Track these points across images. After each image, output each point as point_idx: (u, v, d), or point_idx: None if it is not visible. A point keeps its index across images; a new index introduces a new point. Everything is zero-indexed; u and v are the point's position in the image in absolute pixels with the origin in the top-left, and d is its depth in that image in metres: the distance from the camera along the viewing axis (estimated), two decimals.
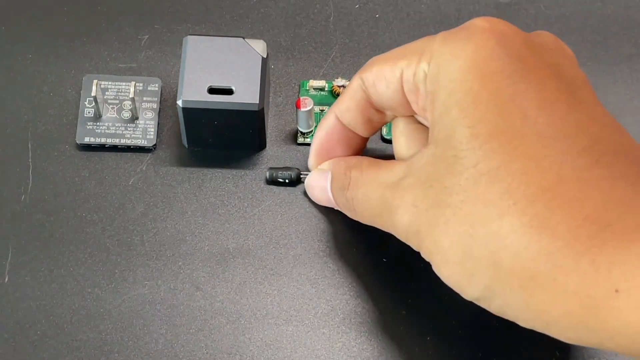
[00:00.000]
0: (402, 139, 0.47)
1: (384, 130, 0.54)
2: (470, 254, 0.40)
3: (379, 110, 0.48)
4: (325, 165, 0.50)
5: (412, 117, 0.47)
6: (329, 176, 0.49)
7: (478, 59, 0.42)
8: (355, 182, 0.47)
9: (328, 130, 0.49)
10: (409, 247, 0.51)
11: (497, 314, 0.42)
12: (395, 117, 0.48)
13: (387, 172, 0.45)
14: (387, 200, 0.45)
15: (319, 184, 0.50)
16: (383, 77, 0.45)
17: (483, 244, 0.40)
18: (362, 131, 0.49)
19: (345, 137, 0.49)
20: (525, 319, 0.41)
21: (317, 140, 0.50)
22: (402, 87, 0.45)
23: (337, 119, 0.49)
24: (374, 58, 0.47)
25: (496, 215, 0.39)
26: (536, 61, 0.43)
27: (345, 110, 0.48)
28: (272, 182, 0.53)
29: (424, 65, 0.43)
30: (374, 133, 0.49)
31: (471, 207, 0.40)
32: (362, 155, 0.50)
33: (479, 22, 0.43)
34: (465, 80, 0.41)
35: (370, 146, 0.54)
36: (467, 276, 0.41)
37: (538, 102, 0.41)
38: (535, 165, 0.40)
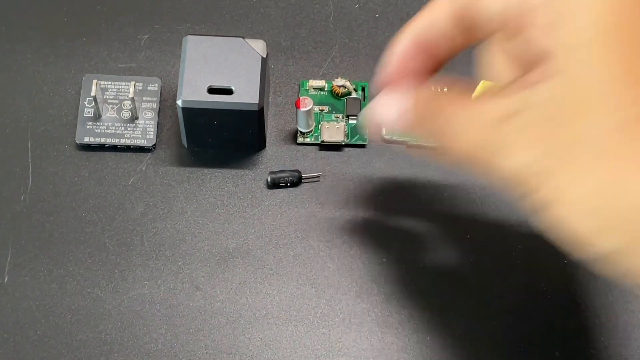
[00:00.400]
0: (500, 60, 0.42)
1: (384, 130, 0.54)
2: (611, 206, 0.36)
3: (470, 28, 0.41)
4: (404, 84, 0.43)
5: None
6: (409, 101, 0.42)
7: None
8: (450, 112, 0.40)
9: (405, 46, 0.43)
10: (408, 247, 0.51)
11: (621, 276, 0.37)
12: (488, 35, 0.42)
13: (494, 103, 0.39)
14: (494, 136, 0.38)
15: (390, 108, 0.43)
16: None
17: (628, 199, 0.36)
18: (448, 43, 0.42)
19: (427, 50, 0.43)
20: None
21: (394, 59, 0.44)
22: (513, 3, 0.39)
23: (421, 32, 0.42)
24: None
25: None
26: None
27: (429, 25, 0.42)
28: (273, 186, 0.53)
29: None
30: (463, 49, 0.43)
31: (613, 157, 0.36)
32: None
33: None
34: (600, 14, 0.36)
35: (370, 146, 0.54)
36: (602, 229, 0.37)
37: None
38: None
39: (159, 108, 0.54)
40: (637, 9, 0.37)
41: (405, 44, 0.43)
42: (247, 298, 0.50)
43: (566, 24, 0.37)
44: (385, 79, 0.44)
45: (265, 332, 0.50)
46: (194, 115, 0.51)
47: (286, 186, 0.53)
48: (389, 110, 0.43)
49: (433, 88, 0.42)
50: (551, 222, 0.38)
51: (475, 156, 0.39)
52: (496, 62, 0.42)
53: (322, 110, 0.54)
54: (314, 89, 0.55)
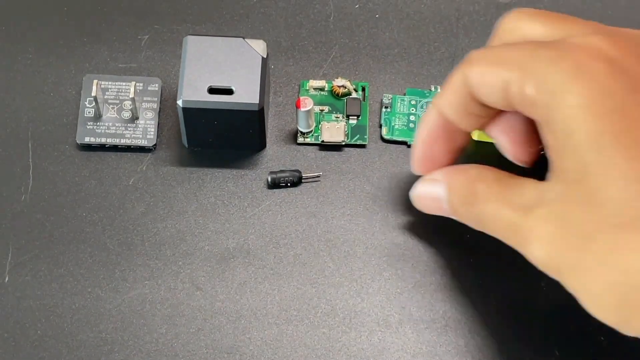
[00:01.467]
0: (509, 136, 0.46)
1: (384, 130, 0.54)
2: (628, 302, 0.40)
3: (485, 105, 0.45)
4: (437, 175, 0.48)
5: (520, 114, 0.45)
6: (445, 187, 0.48)
7: (594, 97, 0.40)
8: (482, 196, 0.45)
9: (430, 127, 0.47)
10: (408, 246, 0.52)
11: None
12: (500, 112, 0.46)
13: (517, 193, 0.44)
14: (517, 227, 0.43)
15: (432, 195, 0.49)
16: (486, 81, 0.43)
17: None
18: (466, 125, 0.46)
19: (448, 132, 0.47)
20: None
21: (420, 137, 0.48)
22: (507, 95, 0.43)
23: (440, 113, 0.46)
24: (476, 54, 0.45)
25: None
26: None
27: (448, 105, 0.46)
28: (274, 186, 0.53)
29: (529, 88, 0.42)
30: (477, 128, 0.47)
31: (620, 256, 0.39)
32: (459, 151, 0.49)
33: (588, 43, 0.41)
34: (583, 120, 0.40)
35: (370, 146, 0.54)
36: (626, 321, 0.40)
37: None
38: None
39: (160, 108, 0.54)
40: (619, 114, 0.40)
41: (422, 136, 0.48)
42: (247, 298, 0.50)
43: (555, 129, 0.41)
44: (418, 162, 0.49)
45: (266, 332, 0.50)
46: (195, 115, 0.51)
47: (286, 186, 0.53)
48: (429, 202, 0.49)
49: (466, 176, 0.47)
50: (585, 309, 0.41)
51: (509, 240, 0.44)
52: (508, 136, 0.47)
53: (322, 110, 0.54)
54: (314, 89, 0.55)
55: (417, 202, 0.50)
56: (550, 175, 0.42)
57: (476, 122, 0.46)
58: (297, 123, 0.53)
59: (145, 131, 0.53)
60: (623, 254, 0.39)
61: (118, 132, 0.53)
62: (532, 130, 0.45)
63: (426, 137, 0.48)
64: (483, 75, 0.43)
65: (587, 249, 0.40)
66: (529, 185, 0.43)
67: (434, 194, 0.48)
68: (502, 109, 0.45)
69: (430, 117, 0.47)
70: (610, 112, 0.40)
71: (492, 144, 0.48)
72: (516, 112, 0.44)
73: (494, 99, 0.44)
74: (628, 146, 0.39)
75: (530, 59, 0.42)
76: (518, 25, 0.45)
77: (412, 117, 0.54)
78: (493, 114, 0.46)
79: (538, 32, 0.44)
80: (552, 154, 0.42)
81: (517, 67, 0.42)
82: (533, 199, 0.43)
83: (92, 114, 0.54)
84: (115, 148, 0.53)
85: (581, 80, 0.40)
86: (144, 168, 0.53)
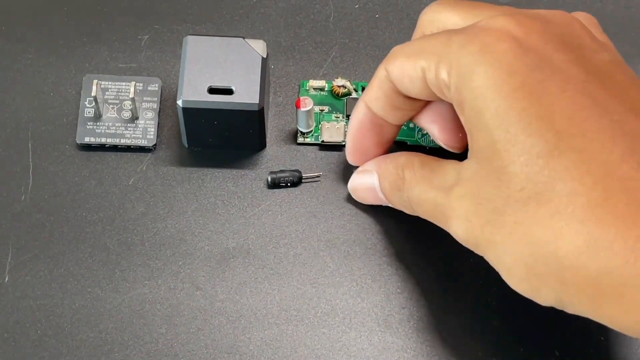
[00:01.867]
0: (438, 124, 0.48)
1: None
2: (534, 272, 0.41)
3: (410, 98, 0.47)
4: (369, 165, 0.50)
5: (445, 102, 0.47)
6: (376, 176, 0.50)
7: (499, 76, 0.41)
8: (409, 181, 0.47)
9: (360, 120, 0.49)
10: (408, 246, 0.52)
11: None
12: (426, 103, 0.48)
13: (439, 175, 0.46)
14: (440, 207, 0.45)
15: (365, 185, 0.51)
16: (406, 73, 0.45)
17: (544, 263, 0.41)
18: (393, 119, 0.48)
19: (377, 126, 0.49)
20: (601, 323, 0.41)
21: (351, 131, 0.50)
22: (426, 84, 0.45)
23: (368, 108, 0.48)
24: (397, 49, 0.46)
25: (551, 237, 0.40)
26: (558, 62, 0.42)
27: (375, 100, 0.48)
28: (274, 186, 0.53)
29: (443, 73, 0.43)
30: (406, 120, 0.49)
31: (525, 229, 0.41)
32: (390, 144, 0.51)
33: (494, 25, 0.43)
34: (490, 99, 0.41)
35: None
36: (535, 290, 0.42)
37: (569, 113, 0.41)
38: (578, 184, 0.40)
39: (160, 108, 0.54)
40: (522, 91, 0.41)
41: (353, 129, 0.50)
42: (247, 298, 0.50)
43: (465, 110, 0.43)
44: (351, 155, 0.51)
45: (266, 332, 0.50)
46: (195, 115, 0.51)
47: (286, 186, 0.53)
48: (364, 193, 0.51)
49: (394, 163, 0.49)
50: (505, 282, 0.43)
51: (435, 220, 0.46)
52: (436, 124, 0.48)
53: (322, 110, 0.54)
54: (314, 89, 0.55)
55: (355, 194, 0.52)
56: (468, 155, 0.44)
57: (403, 116, 0.48)
58: (297, 123, 0.53)
59: (145, 131, 0.53)
60: (528, 227, 0.41)
61: (118, 132, 0.53)
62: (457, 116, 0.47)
63: (356, 132, 0.50)
64: (402, 67, 0.45)
65: (498, 224, 0.42)
66: (450, 167, 0.45)
67: (367, 184, 0.50)
68: (425, 99, 0.46)
69: (359, 112, 0.49)
70: (514, 90, 0.41)
71: None
72: (441, 101, 0.46)
73: (415, 90, 0.46)
74: (530, 122, 0.41)
75: (444, 46, 0.44)
76: (436, 17, 0.47)
77: None
78: (419, 106, 0.48)
79: (454, 20, 0.46)
80: (468, 134, 0.43)
81: (433, 55, 0.44)
82: (453, 179, 0.45)
83: (92, 114, 0.54)
84: (115, 148, 0.53)
85: (488, 61, 0.42)
86: (144, 168, 0.53)
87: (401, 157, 0.49)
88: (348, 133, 0.50)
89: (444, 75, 0.43)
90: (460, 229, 0.44)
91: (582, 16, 0.46)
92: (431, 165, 0.47)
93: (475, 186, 0.43)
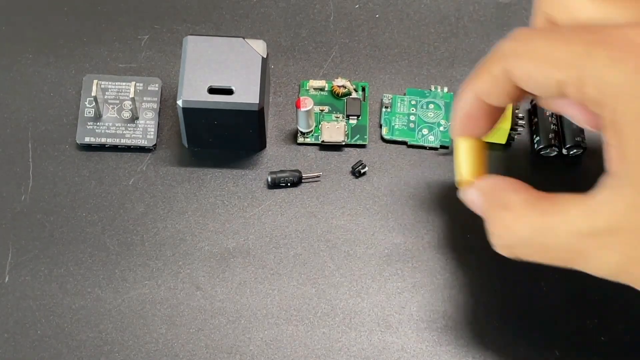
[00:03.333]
0: (577, 107, 0.44)
1: (384, 130, 0.54)
2: None
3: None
4: (481, 187, 0.46)
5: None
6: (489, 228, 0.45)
7: None
8: (519, 230, 0.43)
9: (468, 109, 0.45)
10: (408, 246, 0.51)
11: None
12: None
13: (559, 215, 0.42)
14: (578, 248, 0.41)
15: (476, 207, 0.46)
16: (534, 80, 0.41)
17: None
18: (506, 103, 0.45)
19: (488, 111, 0.45)
20: None
21: (458, 119, 0.46)
22: (563, 92, 0.41)
23: (477, 98, 0.45)
24: (520, 47, 0.42)
25: None
26: None
27: (487, 92, 0.44)
28: (274, 186, 0.53)
29: (590, 90, 0.40)
30: (518, 102, 0.46)
31: None
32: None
33: (635, 38, 0.40)
34: None
35: (370, 146, 0.54)
36: None
37: None
38: None
39: (160, 108, 0.54)
40: None
41: (467, 106, 0.45)
42: (247, 298, 0.50)
43: (624, 135, 0.39)
44: (458, 132, 0.47)
45: (266, 332, 0.50)
46: (195, 116, 0.51)
47: (286, 186, 0.53)
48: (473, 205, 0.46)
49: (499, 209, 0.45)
50: None
51: (563, 260, 0.42)
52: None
53: (322, 111, 0.54)
54: (314, 89, 0.55)
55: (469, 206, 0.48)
56: (609, 180, 0.40)
57: (518, 100, 0.44)
58: (297, 123, 0.53)
59: (145, 131, 0.53)
60: None
61: (118, 132, 0.53)
62: None
63: (464, 118, 0.46)
64: (531, 73, 0.41)
65: None
66: (569, 203, 0.42)
67: (478, 207, 0.46)
68: (554, 98, 0.43)
69: (467, 102, 0.45)
70: None
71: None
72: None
73: (544, 93, 0.42)
74: None
75: (587, 59, 0.40)
76: (564, 1, 0.43)
77: (412, 117, 0.54)
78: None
79: (589, 12, 0.42)
80: (615, 155, 0.40)
81: (572, 68, 0.40)
82: (594, 218, 0.41)
83: (92, 114, 0.54)
84: (115, 148, 0.53)
85: None
86: (144, 168, 0.53)
87: (510, 195, 0.44)
88: (454, 121, 0.46)
89: (591, 92, 0.40)
90: (612, 261, 0.40)
91: None
92: (542, 207, 0.42)
93: (634, 218, 0.39)
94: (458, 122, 0.46)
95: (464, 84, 0.45)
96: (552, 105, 0.46)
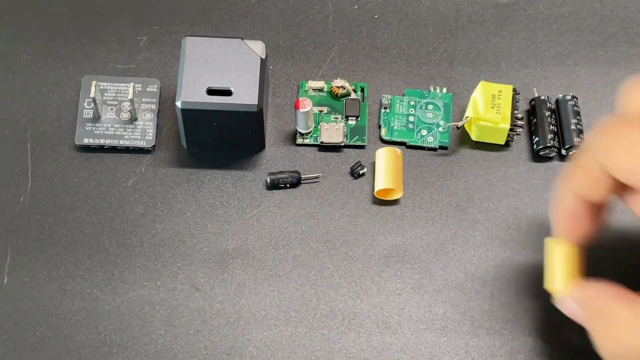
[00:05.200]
0: None
1: (383, 131, 0.54)
2: None
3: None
4: (581, 299, 0.46)
5: None
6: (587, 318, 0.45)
7: None
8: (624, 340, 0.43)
9: (571, 209, 0.45)
10: (408, 246, 0.51)
11: None
12: None
13: None
14: None
15: (578, 318, 0.46)
16: (635, 173, 0.41)
17: None
18: (605, 198, 0.44)
19: (592, 207, 0.45)
20: None
21: (561, 220, 0.46)
22: None
23: (577, 196, 0.45)
24: (616, 141, 0.41)
25: None
26: None
27: (588, 189, 0.44)
28: (273, 187, 0.53)
29: None
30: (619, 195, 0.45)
31: None
32: None
33: None
34: None
35: (369, 147, 0.54)
36: None
37: None
38: None
39: (158, 109, 0.54)
40: None
41: (569, 204, 0.45)
42: (246, 299, 0.50)
43: None
44: (559, 232, 0.46)
45: (265, 333, 0.50)
46: (193, 117, 0.51)
47: (285, 187, 0.53)
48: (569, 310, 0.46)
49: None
50: None
51: None
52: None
53: (321, 111, 0.54)
54: (313, 89, 0.55)
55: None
56: None
57: (619, 191, 0.44)
58: (296, 124, 0.53)
59: (144, 132, 0.53)
60: None
61: (117, 133, 0.53)
62: None
63: (568, 217, 0.46)
64: (631, 169, 0.41)
65: None
66: None
67: (577, 317, 0.46)
68: None
69: (568, 201, 0.45)
70: None
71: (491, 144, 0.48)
72: None
73: None
74: None
75: None
76: None
77: (411, 118, 0.54)
78: None
79: None
80: None
81: None
82: None
83: (90, 115, 0.54)
84: (113, 149, 0.53)
85: None
86: (143, 169, 0.53)
87: (607, 311, 0.44)
88: (556, 222, 0.46)
89: None
90: None
91: None
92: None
93: None
94: (560, 222, 0.46)
95: (559, 184, 0.45)
96: None
